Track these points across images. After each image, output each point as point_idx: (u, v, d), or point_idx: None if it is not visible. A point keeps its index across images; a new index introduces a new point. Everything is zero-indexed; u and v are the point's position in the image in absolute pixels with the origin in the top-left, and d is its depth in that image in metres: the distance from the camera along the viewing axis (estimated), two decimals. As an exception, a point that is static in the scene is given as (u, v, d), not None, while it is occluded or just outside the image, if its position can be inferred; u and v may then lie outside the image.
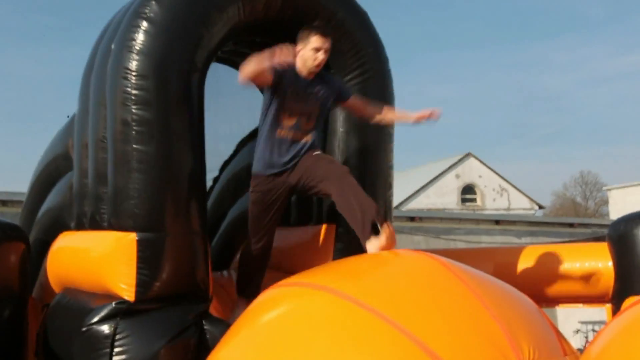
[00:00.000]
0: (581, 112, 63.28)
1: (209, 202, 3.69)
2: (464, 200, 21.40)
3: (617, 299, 3.29)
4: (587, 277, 3.47)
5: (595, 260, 3.53)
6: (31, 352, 2.93)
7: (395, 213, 5.34)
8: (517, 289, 2.19)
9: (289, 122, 2.64)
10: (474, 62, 64.92)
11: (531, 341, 1.83)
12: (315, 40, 2.62)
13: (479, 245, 9.45)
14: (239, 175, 3.75)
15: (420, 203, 20.24)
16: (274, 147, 2.62)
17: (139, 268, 2.34)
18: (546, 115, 62.15)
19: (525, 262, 3.64)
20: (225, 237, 3.84)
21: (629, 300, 3.02)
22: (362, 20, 3.11)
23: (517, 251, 3.81)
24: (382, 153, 3.13)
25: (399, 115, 3.02)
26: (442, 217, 11.13)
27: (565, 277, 3.53)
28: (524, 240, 10.62)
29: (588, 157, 65.62)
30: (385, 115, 2.89)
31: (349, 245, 2.71)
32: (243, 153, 3.81)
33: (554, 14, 63.36)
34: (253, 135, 3.42)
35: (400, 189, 13.32)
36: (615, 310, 3.21)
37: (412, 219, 9.54)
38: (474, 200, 21.53)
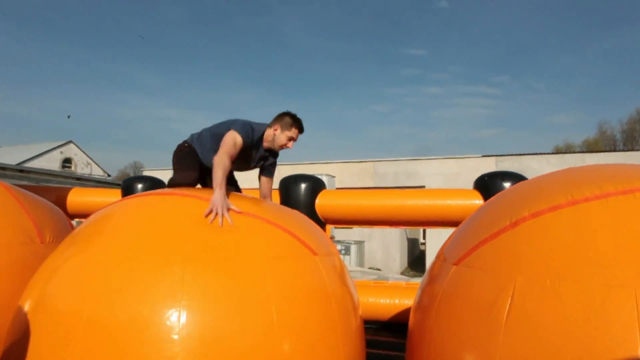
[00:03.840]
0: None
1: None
2: (64, 167, 38.29)
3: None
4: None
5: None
6: None
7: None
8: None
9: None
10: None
11: (51, 227, 3.08)
12: (294, 133, 3.00)
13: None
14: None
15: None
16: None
17: None
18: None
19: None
20: None
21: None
22: None
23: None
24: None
25: None
26: (45, 173, 18.07)
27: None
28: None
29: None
30: None
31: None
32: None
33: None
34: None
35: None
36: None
37: (20, 171, 15.55)
38: (70, 167, 38.90)
